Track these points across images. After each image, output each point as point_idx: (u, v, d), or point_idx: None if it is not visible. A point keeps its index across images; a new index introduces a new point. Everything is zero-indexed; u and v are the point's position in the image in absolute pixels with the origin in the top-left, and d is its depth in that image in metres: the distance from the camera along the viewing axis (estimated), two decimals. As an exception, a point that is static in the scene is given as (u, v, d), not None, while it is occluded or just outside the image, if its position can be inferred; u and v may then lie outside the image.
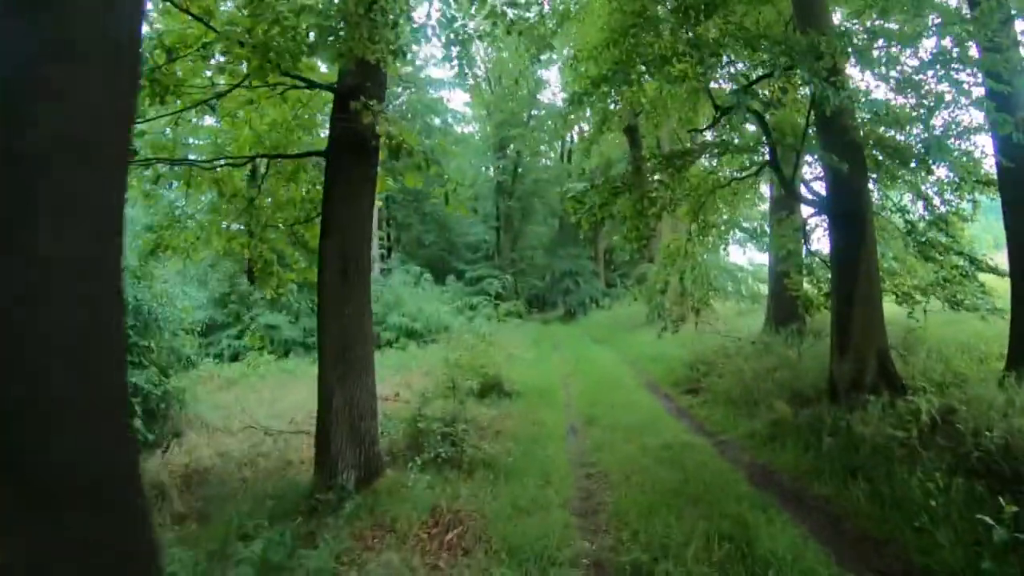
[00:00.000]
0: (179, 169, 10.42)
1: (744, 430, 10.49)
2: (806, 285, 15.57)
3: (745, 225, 18.31)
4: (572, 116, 11.31)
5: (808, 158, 11.45)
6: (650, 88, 12.29)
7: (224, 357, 23.84)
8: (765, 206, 22.43)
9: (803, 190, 11.34)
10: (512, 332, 29.49)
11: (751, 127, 12.09)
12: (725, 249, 18.52)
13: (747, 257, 25.70)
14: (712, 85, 10.98)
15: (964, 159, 11.00)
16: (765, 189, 18.17)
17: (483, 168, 48.73)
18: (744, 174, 12.54)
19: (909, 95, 10.37)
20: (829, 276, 13.77)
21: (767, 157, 11.00)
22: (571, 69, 10.01)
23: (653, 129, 12.22)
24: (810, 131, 10.45)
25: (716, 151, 11.17)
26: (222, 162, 10.21)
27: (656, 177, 10.95)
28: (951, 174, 11.82)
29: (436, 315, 28.61)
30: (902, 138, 10.96)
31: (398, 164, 8.80)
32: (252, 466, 10.47)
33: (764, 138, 10.66)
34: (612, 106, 11.52)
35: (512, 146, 45.60)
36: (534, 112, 47.60)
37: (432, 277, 36.35)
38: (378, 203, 41.32)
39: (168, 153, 10.07)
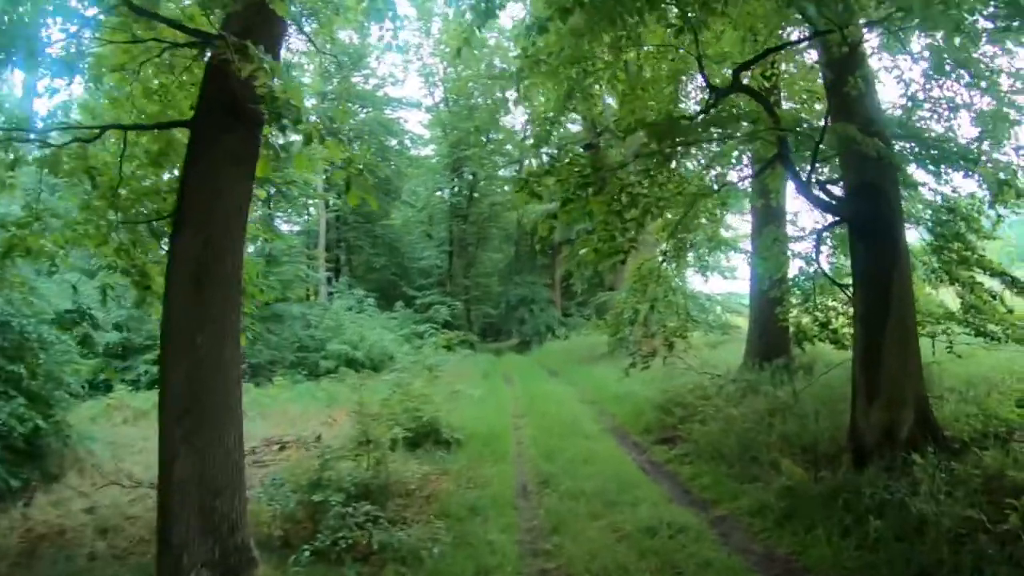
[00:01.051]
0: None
1: (749, 501, 7.86)
2: (796, 312, 13.11)
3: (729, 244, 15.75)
4: (527, 80, 8.55)
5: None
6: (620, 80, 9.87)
7: (141, 384, 20.60)
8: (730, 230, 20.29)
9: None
10: (461, 363, 26.60)
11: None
12: (706, 273, 16.06)
13: (706, 284, 22.90)
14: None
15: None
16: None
17: (437, 190, 45.78)
18: (737, 177, 10.00)
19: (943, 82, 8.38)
20: (831, 303, 11.60)
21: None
22: (525, 38, 7.39)
23: (629, 115, 9.50)
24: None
25: (718, 133, 8.50)
26: (55, 135, 7.47)
27: (634, 167, 8.23)
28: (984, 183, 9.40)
29: (380, 343, 25.79)
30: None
31: (282, 137, 6.24)
32: (114, 533, 8.10)
33: (771, 124, 8.13)
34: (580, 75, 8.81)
35: (467, 167, 42.88)
36: (492, 136, 45.01)
37: (381, 303, 33.63)
38: (324, 220, 38.80)
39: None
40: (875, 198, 8.06)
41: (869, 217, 8.10)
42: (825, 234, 9.78)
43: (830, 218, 9.37)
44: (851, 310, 10.95)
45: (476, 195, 44.49)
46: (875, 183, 8.02)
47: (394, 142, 46.63)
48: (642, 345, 14.42)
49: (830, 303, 11.93)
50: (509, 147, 44.84)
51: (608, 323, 15.16)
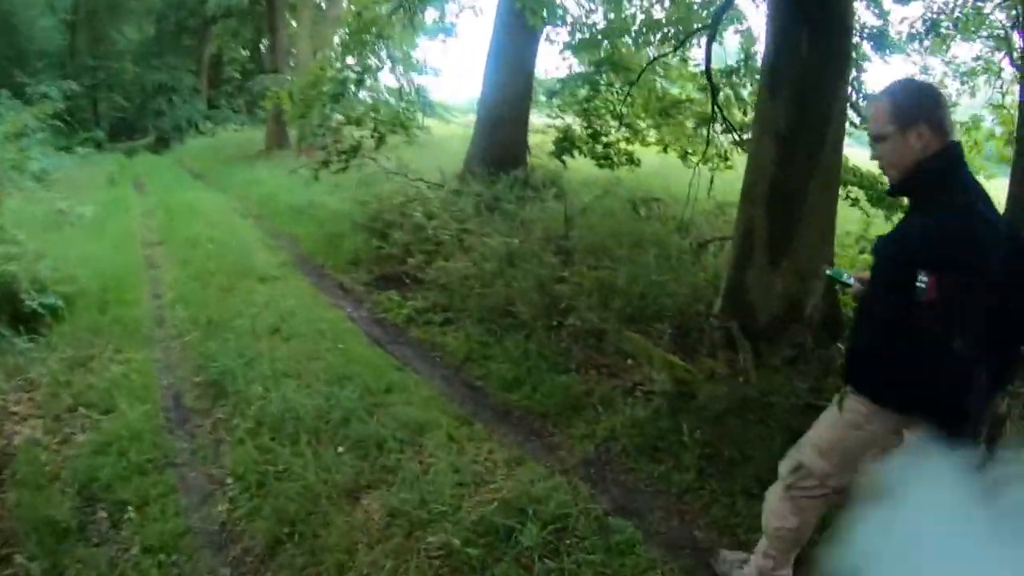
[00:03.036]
0: None
1: (615, 421, 4.33)
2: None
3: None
4: None
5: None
6: None
7: None
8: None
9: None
10: (81, 169, 19.32)
11: None
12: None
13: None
14: None
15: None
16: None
17: None
18: None
19: None
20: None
21: None
22: None
23: None
24: None
25: None
26: None
27: None
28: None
29: None
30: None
31: None
32: None
33: None
34: None
35: None
36: None
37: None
38: None
39: None
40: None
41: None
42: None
43: None
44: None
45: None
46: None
47: None
48: (335, 139, 10.15)
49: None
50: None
51: (291, 99, 10.19)
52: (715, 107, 7.73)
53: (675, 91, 9.96)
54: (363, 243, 8.70)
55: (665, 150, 9.90)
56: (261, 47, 31.09)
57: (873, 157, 2.45)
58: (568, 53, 9.66)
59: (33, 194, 11.68)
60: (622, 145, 9.83)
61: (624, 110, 9.40)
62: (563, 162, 9.93)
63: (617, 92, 9.43)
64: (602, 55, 9.10)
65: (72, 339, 5.67)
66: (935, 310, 2.10)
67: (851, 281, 2.68)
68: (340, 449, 4.05)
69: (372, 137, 9.73)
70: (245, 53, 35.43)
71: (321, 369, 5.15)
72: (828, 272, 2.82)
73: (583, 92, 9.61)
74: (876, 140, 2.37)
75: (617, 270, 6.26)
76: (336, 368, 5.17)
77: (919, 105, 2.31)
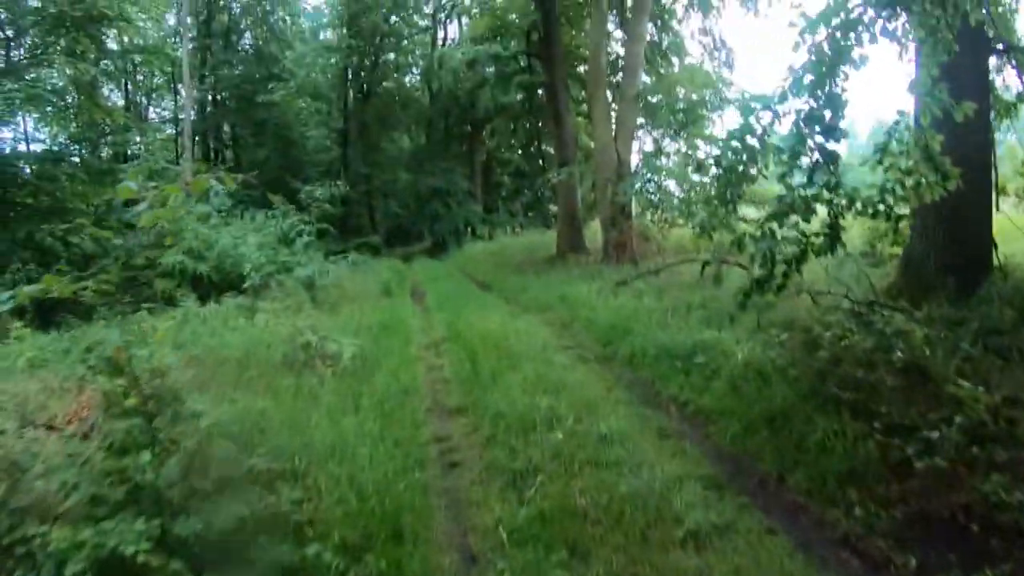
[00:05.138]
0: None
1: None
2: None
3: None
4: None
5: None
6: None
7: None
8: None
9: None
10: (353, 276, 16.52)
11: None
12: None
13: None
14: None
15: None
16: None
17: (329, 59, 32.61)
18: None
19: None
20: None
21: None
22: None
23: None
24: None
25: None
26: None
27: None
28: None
29: (235, 250, 15.07)
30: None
31: None
32: None
33: None
34: None
35: (367, 19, 31.19)
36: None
37: (261, 203, 22.94)
38: (190, 100, 28.18)
39: None
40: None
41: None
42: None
43: None
44: None
45: (379, 62, 33.70)
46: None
47: (282, 14, 35.45)
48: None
49: None
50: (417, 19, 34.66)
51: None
52: None
53: None
54: (840, 433, 4.49)
55: None
56: (536, 147, 29.51)
57: None
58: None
59: (278, 316, 9.04)
60: None
61: None
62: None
63: None
64: None
65: None
66: None
67: None
68: None
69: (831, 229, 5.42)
70: (518, 154, 33.97)
71: None
72: None
73: None
74: None
75: None
76: None
77: None
